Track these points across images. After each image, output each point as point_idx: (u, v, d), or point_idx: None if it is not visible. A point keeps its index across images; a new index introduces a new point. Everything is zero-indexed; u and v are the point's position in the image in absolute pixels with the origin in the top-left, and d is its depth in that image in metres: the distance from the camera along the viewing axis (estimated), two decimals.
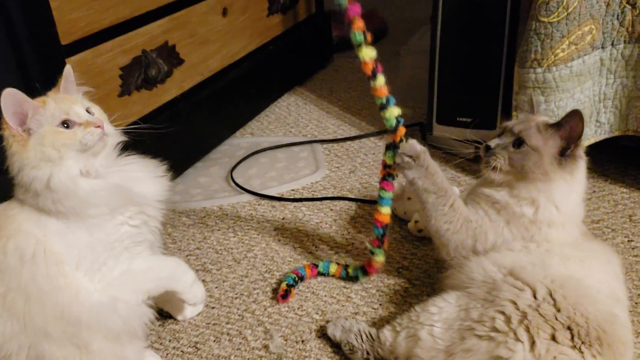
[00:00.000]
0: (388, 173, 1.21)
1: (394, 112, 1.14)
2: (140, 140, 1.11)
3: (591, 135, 1.55)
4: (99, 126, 0.98)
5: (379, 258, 1.26)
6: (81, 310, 0.95)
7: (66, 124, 0.96)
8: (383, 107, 1.14)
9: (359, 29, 1.07)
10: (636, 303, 1.19)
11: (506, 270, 1.02)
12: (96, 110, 1.04)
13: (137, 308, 1.04)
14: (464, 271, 1.08)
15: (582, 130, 1.05)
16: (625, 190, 1.56)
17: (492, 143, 1.12)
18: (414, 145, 1.14)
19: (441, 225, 1.13)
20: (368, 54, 1.09)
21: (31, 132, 0.94)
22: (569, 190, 1.08)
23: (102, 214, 0.98)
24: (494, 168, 1.09)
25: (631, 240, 1.38)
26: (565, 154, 1.06)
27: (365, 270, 1.30)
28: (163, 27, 1.60)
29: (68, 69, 1.05)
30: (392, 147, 1.18)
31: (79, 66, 1.36)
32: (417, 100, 2.09)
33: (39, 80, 1.26)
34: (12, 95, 0.92)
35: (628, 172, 1.63)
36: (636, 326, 1.14)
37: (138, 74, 1.55)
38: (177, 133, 1.71)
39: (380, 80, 1.12)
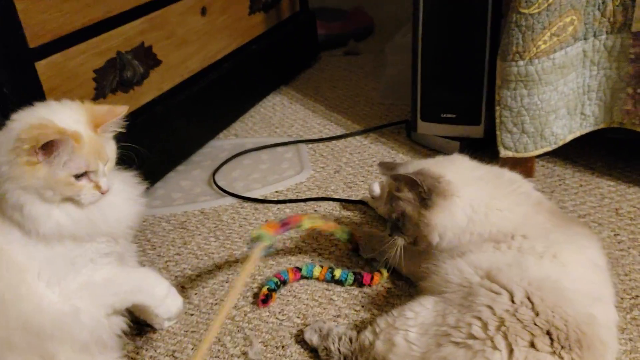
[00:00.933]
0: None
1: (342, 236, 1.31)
2: (118, 144, 1.07)
3: (576, 128, 1.52)
4: (103, 193, 0.97)
5: (384, 275, 1.29)
6: (44, 320, 0.93)
7: (80, 175, 0.94)
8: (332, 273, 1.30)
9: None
10: (622, 298, 1.16)
11: (483, 272, 0.99)
12: (111, 161, 1.01)
13: (103, 319, 1.01)
14: (440, 273, 1.05)
15: (410, 178, 1.09)
16: (611, 183, 1.54)
17: (388, 231, 1.17)
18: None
19: None
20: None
21: (44, 159, 0.90)
22: (462, 203, 1.08)
23: (65, 243, 0.96)
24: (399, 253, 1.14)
25: (617, 234, 1.35)
26: (423, 197, 1.09)
27: (359, 278, 1.28)
28: (139, 28, 1.57)
29: (122, 110, 1.00)
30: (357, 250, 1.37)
31: (49, 70, 1.33)
32: (402, 98, 2.06)
33: (6, 85, 1.24)
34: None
35: (614, 165, 1.61)
36: (621, 322, 1.11)
37: (113, 77, 1.51)
38: (156, 136, 1.69)
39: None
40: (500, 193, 1.11)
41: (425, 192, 1.08)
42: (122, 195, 1.06)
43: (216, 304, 1.28)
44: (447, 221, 1.08)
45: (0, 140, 0.93)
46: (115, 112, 0.98)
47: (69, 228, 0.96)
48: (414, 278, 1.21)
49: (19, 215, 0.92)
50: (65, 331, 0.95)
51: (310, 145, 1.92)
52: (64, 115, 0.95)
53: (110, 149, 1.01)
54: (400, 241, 1.14)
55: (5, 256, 0.92)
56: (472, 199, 1.09)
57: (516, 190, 1.13)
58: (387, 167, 1.26)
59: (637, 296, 1.17)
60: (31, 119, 0.93)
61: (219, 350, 1.16)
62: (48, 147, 0.90)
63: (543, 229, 1.05)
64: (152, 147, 1.65)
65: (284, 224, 1.18)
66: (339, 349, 1.06)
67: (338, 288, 1.29)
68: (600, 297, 0.97)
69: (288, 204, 1.61)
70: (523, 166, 1.59)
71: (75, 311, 0.96)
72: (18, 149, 0.89)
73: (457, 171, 1.13)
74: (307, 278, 1.32)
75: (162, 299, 1.10)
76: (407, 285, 1.28)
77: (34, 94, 1.28)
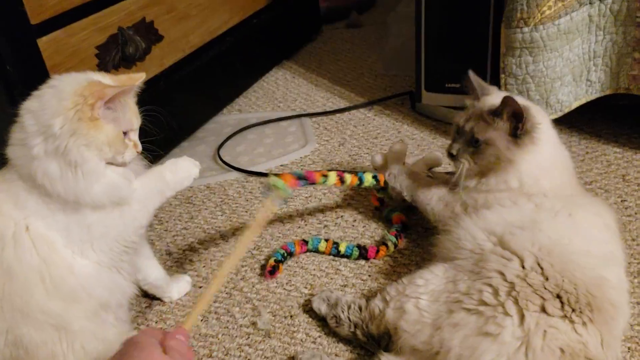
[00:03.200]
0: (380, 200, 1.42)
1: (369, 178, 1.31)
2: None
3: (582, 95, 1.51)
4: (138, 152, 1.02)
5: (391, 248, 1.30)
6: (75, 282, 0.96)
7: (126, 133, 0.99)
8: (361, 183, 1.31)
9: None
10: (629, 263, 1.16)
11: (495, 238, 0.99)
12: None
13: (120, 279, 1.05)
14: (452, 238, 1.05)
15: (519, 107, 1.05)
16: (618, 150, 1.53)
17: (454, 149, 1.13)
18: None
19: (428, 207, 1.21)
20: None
21: (101, 116, 0.93)
22: (539, 157, 1.08)
23: (85, 211, 0.98)
24: (463, 174, 1.12)
25: (624, 200, 1.35)
26: (517, 133, 1.07)
27: (364, 252, 1.28)
28: (140, 3, 1.56)
29: (141, 77, 1.02)
30: (384, 189, 1.35)
31: (51, 46, 1.32)
32: (406, 69, 2.05)
33: (9, 62, 1.23)
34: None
35: (621, 131, 1.60)
36: (630, 285, 1.11)
37: (115, 52, 1.51)
38: (160, 112, 1.68)
39: (348, 179, 1.30)
40: (559, 154, 1.13)
41: (522, 131, 1.06)
42: (133, 169, 1.07)
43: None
44: (526, 166, 1.08)
45: (46, 102, 0.93)
46: (135, 77, 1.01)
47: (117, 189, 0.99)
48: (442, 224, 1.18)
49: (69, 174, 0.93)
50: (88, 291, 0.98)
51: (314, 119, 1.92)
52: (102, 78, 0.98)
53: None
54: (466, 164, 1.11)
55: (24, 228, 0.93)
56: (551, 158, 1.10)
57: (564, 153, 1.15)
58: (478, 82, 1.19)
59: None
60: (80, 79, 0.95)
61: (227, 321, 1.17)
62: (110, 102, 0.94)
63: (568, 192, 1.09)
64: (155, 124, 1.65)
65: (302, 178, 1.20)
66: (348, 317, 1.07)
67: (344, 259, 1.30)
68: (613, 259, 0.98)
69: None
70: None
71: (97, 270, 0.99)
72: (80, 105, 0.91)
73: (547, 123, 1.12)
74: (312, 251, 1.32)
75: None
76: (414, 255, 1.28)
77: (37, 70, 1.28)
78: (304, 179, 1.21)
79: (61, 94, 0.93)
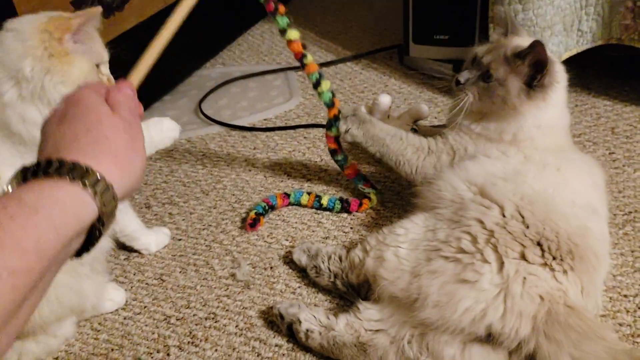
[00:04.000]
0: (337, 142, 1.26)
1: (327, 85, 1.19)
2: None
3: (573, 45, 1.47)
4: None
5: (374, 200, 1.26)
6: None
7: (97, 67, 0.96)
8: (317, 83, 1.19)
9: (281, 14, 1.15)
10: (615, 215, 1.15)
11: (476, 188, 0.97)
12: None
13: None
14: (432, 189, 1.03)
15: (546, 57, 1.00)
16: (608, 102, 1.50)
17: (462, 77, 1.08)
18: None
19: (403, 160, 1.15)
20: (294, 34, 1.16)
21: (71, 50, 0.90)
22: (543, 116, 1.04)
23: None
24: (466, 107, 1.06)
25: (612, 153, 1.32)
26: (533, 84, 1.02)
27: (346, 205, 1.25)
28: None
29: (98, 10, 0.95)
30: (334, 121, 1.23)
31: None
32: (393, 25, 1.99)
33: None
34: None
35: (611, 83, 1.56)
36: (613, 237, 1.09)
37: (91, 2, 1.45)
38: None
39: (310, 57, 1.17)
40: (562, 119, 1.09)
41: (539, 82, 1.02)
42: None
43: (204, 229, 1.27)
44: (529, 121, 1.04)
45: (8, 46, 0.89)
46: (91, 11, 0.94)
47: None
48: (421, 178, 1.15)
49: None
50: None
51: (299, 73, 1.87)
52: (63, 14, 0.93)
53: None
54: (470, 96, 1.06)
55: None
56: (555, 118, 1.06)
57: (566, 116, 1.11)
58: (510, 20, 1.13)
59: (630, 212, 1.15)
60: (39, 17, 0.91)
61: (206, 273, 1.15)
62: (76, 35, 0.90)
63: (560, 146, 1.06)
64: None
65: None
66: (328, 267, 1.05)
67: (327, 212, 1.27)
68: (597, 211, 0.96)
69: (277, 132, 1.58)
70: None
71: None
72: (47, 42, 0.88)
73: (562, 82, 1.07)
74: (295, 205, 1.30)
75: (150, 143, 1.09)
76: (396, 208, 1.26)
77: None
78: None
79: (23, 35, 0.89)
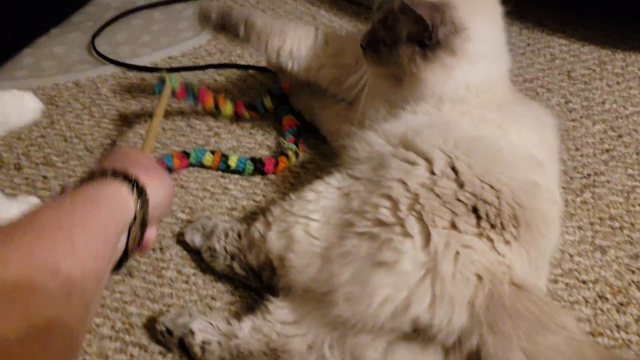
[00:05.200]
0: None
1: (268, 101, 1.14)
2: None
3: None
4: None
5: (292, 159, 1.07)
6: None
7: None
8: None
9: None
10: (571, 178, 0.98)
11: (397, 139, 0.77)
12: None
13: None
14: (347, 149, 0.83)
15: (418, 15, 0.76)
16: (564, 42, 1.31)
17: (363, 41, 0.87)
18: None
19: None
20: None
21: None
22: (460, 77, 0.81)
23: None
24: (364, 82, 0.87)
25: (569, 102, 1.15)
26: (425, 43, 0.79)
27: (260, 166, 1.04)
28: None
29: None
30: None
31: None
32: None
33: None
34: None
35: (567, 20, 1.37)
36: (570, 207, 0.93)
37: None
38: None
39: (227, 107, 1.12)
40: (494, 68, 0.85)
41: (432, 42, 0.79)
42: None
43: None
44: (438, 86, 0.81)
45: None
46: None
47: None
48: (332, 139, 1.00)
49: None
50: None
51: (215, 1, 1.60)
52: None
53: None
54: (367, 70, 0.87)
55: None
56: (487, 69, 0.83)
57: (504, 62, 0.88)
58: None
59: (589, 175, 0.98)
60: None
61: None
62: None
63: (505, 100, 0.84)
64: (16, 5, 1.31)
65: (190, 93, 1.09)
66: (225, 248, 0.85)
67: (236, 175, 1.06)
68: (544, 166, 0.77)
69: (182, 73, 1.32)
70: None
71: None
72: None
73: (487, 22, 0.83)
74: (195, 165, 1.07)
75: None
76: (319, 170, 1.05)
77: None
78: (194, 96, 1.08)
79: None
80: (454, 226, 0.67)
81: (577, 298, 0.80)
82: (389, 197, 0.70)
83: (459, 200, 0.68)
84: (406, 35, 0.80)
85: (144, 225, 0.60)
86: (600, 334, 0.76)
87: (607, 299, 0.80)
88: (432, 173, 0.71)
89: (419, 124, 0.78)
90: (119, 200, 0.57)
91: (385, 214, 0.69)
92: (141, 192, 0.59)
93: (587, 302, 0.80)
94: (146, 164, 0.66)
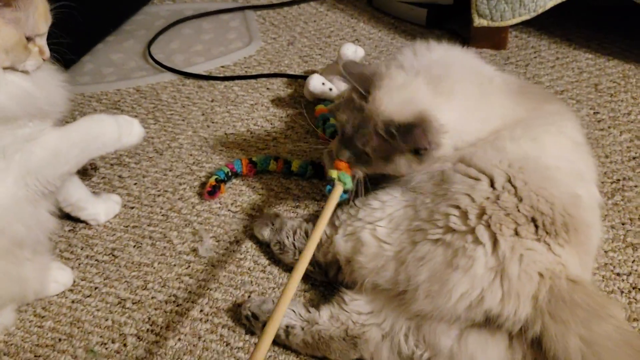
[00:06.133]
0: None
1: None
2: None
3: None
4: (45, 59, 0.86)
5: None
6: None
7: (30, 38, 0.82)
8: None
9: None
10: (602, 183, 1.09)
11: (455, 158, 0.86)
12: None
13: (41, 213, 0.90)
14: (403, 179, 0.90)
15: (425, 143, 0.83)
16: (590, 56, 1.42)
17: (343, 156, 0.88)
18: None
19: None
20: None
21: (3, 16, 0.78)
22: (447, 147, 0.85)
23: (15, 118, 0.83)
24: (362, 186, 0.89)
25: (597, 112, 1.25)
26: (420, 152, 0.85)
27: (320, 170, 1.13)
28: None
29: None
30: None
31: None
32: None
33: None
34: None
35: (593, 36, 1.48)
36: (602, 209, 1.04)
37: None
38: (80, 1, 1.43)
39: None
40: (486, 109, 0.90)
41: (424, 151, 0.84)
42: (47, 75, 0.89)
43: (159, 195, 1.14)
44: (432, 162, 0.87)
45: None
46: None
47: (29, 97, 0.84)
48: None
49: None
50: (6, 227, 0.84)
51: (259, 12, 1.70)
52: None
53: None
54: (360, 173, 0.88)
55: None
56: (464, 134, 0.88)
57: (494, 91, 0.93)
58: (356, 72, 0.88)
59: (619, 180, 1.09)
60: None
61: (164, 247, 1.03)
62: (10, 2, 0.78)
63: (520, 119, 0.91)
64: (77, 15, 1.40)
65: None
66: (293, 243, 0.95)
67: (296, 177, 1.16)
68: (583, 175, 0.87)
69: (236, 81, 1.43)
70: (495, 37, 1.45)
71: (13, 202, 0.85)
72: None
73: (451, 109, 0.86)
74: (262, 172, 1.17)
75: (118, 139, 0.97)
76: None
77: None
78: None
79: None
80: (517, 233, 0.77)
81: (613, 288, 0.91)
82: (457, 207, 0.79)
83: (519, 211, 0.78)
84: (405, 150, 0.84)
85: None
86: (635, 320, 0.87)
87: (639, 289, 0.91)
88: (494, 188, 0.81)
89: (469, 150, 0.85)
90: None
91: (456, 222, 0.78)
92: None
93: (622, 292, 0.91)
94: None
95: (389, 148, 0.84)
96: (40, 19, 0.82)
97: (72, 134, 0.92)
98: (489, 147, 0.86)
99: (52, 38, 0.88)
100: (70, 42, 0.93)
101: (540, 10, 1.37)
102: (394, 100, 0.84)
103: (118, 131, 0.96)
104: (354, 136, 0.86)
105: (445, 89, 0.87)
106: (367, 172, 0.89)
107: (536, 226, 0.78)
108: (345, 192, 0.87)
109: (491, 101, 0.91)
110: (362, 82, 0.86)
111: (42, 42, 0.85)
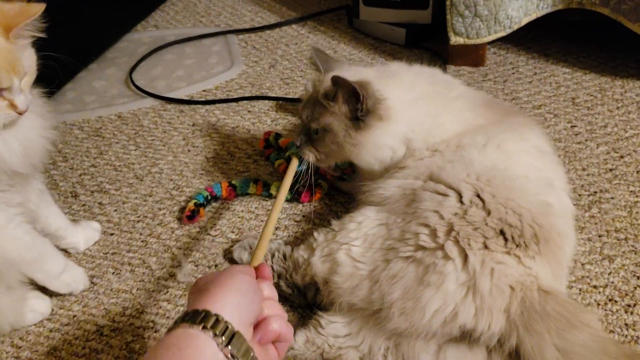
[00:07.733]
0: None
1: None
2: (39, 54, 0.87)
3: (533, 10, 1.38)
4: (20, 113, 0.81)
5: (325, 187, 1.16)
6: None
7: None
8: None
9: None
10: (579, 195, 1.09)
11: (425, 176, 0.87)
12: (30, 74, 0.83)
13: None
14: (376, 192, 0.92)
15: (353, 86, 0.89)
16: (567, 70, 1.43)
17: (298, 141, 0.98)
18: None
19: None
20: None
21: None
22: (395, 129, 0.92)
23: None
24: (312, 167, 0.98)
25: (574, 126, 1.26)
26: (359, 116, 0.91)
27: (297, 197, 1.14)
28: None
29: (39, 9, 0.79)
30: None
31: None
32: None
33: None
34: None
35: (570, 50, 1.49)
36: (579, 221, 1.04)
37: None
38: (63, 28, 1.44)
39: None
40: (439, 107, 0.95)
41: (363, 112, 0.91)
42: (30, 123, 0.87)
43: (139, 221, 1.14)
44: (380, 146, 0.93)
45: None
46: (30, 11, 0.77)
47: None
48: (355, 193, 1.08)
49: None
50: None
51: (240, 36, 1.72)
52: None
53: (28, 60, 0.82)
54: (311, 157, 0.97)
55: None
56: (411, 123, 0.93)
57: (453, 97, 0.97)
58: (322, 58, 1.05)
59: (596, 192, 1.09)
60: None
61: (143, 273, 1.03)
62: None
63: (482, 127, 0.93)
64: (58, 43, 1.41)
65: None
66: (272, 266, 0.95)
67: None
68: (553, 183, 0.88)
69: (218, 105, 1.44)
70: (473, 54, 1.46)
71: None
72: None
73: (397, 91, 0.94)
74: (242, 196, 1.17)
75: (58, 275, 0.98)
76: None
77: None
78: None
79: None
80: (486, 247, 0.77)
81: (590, 301, 0.91)
82: (427, 225, 0.80)
83: (487, 225, 0.79)
84: (343, 113, 0.92)
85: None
86: (611, 332, 0.86)
87: (616, 301, 0.90)
88: (462, 203, 0.81)
89: (436, 164, 0.87)
90: (201, 347, 0.55)
91: (425, 240, 0.79)
92: (225, 331, 0.56)
93: (598, 304, 0.90)
94: (229, 284, 0.61)
95: (327, 115, 0.93)
96: (10, 68, 0.77)
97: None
98: (456, 159, 0.87)
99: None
100: (50, 72, 0.94)
101: (515, 27, 1.38)
102: (342, 75, 0.90)
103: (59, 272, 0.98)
104: (302, 113, 0.96)
105: (394, 79, 0.96)
106: (316, 153, 0.96)
107: (505, 239, 0.78)
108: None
109: (449, 104, 0.96)
110: (324, 63, 1.02)
111: (13, 95, 0.79)
